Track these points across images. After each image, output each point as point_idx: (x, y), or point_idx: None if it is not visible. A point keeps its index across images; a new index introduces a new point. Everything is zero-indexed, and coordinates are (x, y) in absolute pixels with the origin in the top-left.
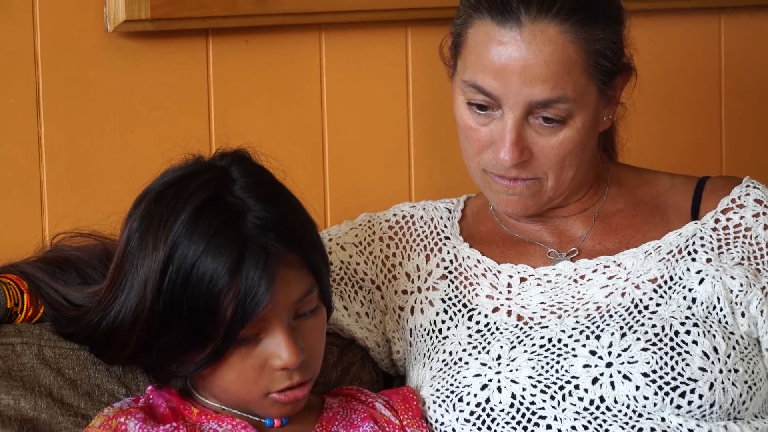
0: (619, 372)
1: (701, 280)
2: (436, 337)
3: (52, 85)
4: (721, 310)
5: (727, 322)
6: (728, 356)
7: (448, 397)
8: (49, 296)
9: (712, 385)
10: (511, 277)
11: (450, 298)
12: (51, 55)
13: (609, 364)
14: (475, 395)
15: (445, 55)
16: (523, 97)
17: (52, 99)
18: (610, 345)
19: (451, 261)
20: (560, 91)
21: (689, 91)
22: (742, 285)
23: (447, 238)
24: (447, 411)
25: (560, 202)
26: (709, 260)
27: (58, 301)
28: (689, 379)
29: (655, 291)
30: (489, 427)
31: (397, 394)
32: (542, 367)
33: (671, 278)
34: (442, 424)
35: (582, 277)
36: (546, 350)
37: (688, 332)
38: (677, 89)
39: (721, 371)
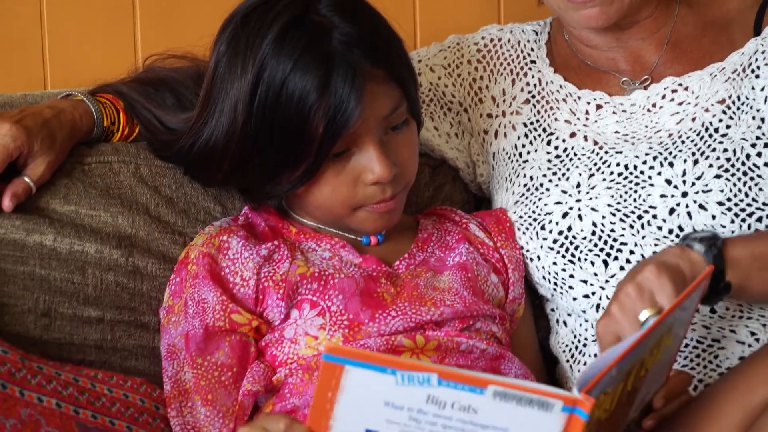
0: (695, 202)
1: (765, 99)
2: (517, 160)
3: None
4: None
5: None
6: None
7: (531, 225)
8: (144, 117)
9: None
10: (588, 103)
11: (531, 123)
12: None
13: (684, 194)
14: (557, 223)
15: None
16: None
17: None
18: (684, 173)
19: (534, 85)
20: None
21: None
22: None
23: (533, 61)
24: (531, 239)
25: (636, 6)
26: None
27: (152, 123)
28: (764, 204)
29: (724, 112)
30: (573, 254)
31: (490, 216)
32: (620, 196)
33: (738, 98)
34: (528, 251)
35: (654, 105)
36: (623, 178)
37: (759, 154)
38: None
39: None
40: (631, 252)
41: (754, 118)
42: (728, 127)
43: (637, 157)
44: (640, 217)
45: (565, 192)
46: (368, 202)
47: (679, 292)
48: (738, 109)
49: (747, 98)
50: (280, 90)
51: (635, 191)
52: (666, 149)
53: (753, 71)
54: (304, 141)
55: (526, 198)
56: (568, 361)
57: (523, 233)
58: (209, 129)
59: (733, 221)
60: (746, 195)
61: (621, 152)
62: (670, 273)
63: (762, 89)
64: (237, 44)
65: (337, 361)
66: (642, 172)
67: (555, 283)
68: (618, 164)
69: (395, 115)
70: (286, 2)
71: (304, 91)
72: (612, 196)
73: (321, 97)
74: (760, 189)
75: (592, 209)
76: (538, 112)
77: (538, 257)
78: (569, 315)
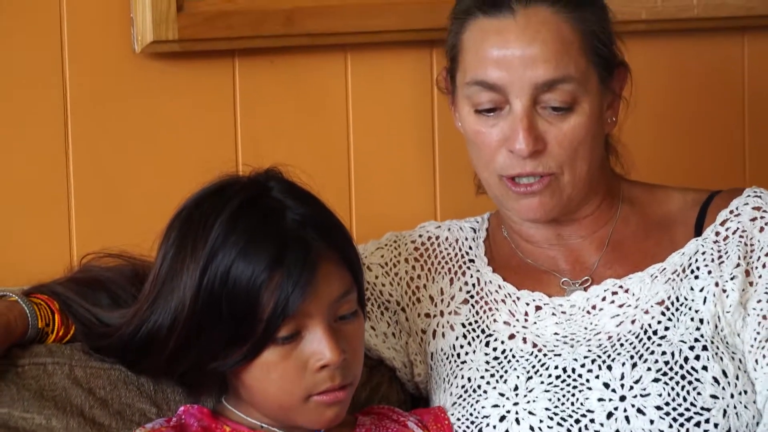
0: (633, 406)
1: (704, 300)
2: (455, 361)
3: (79, 106)
4: (722, 330)
5: (728, 342)
6: (737, 378)
7: (468, 428)
8: (80, 315)
9: (725, 412)
10: (527, 304)
11: (470, 323)
12: (78, 75)
13: (623, 398)
14: (494, 427)
15: (442, 86)
16: (528, 80)
17: (79, 120)
18: (622, 377)
19: (473, 285)
20: (563, 70)
21: (713, 111)
22: (731, 306)
23: (471, 260)
24: None
25: (577, 204)
26: (710, 272)
27: (89, 319)
28: (702, 408)
29: (663, 314)
30: None
31: (428, 414)
32: (558, 400)
33: (677, 299)
34: None
35: (594, 307)
36: (561, 381)
37: (697, 357)
38: (701, 110)
39: (732, 396)
40: None
41: (692, 319)
42: (667, 329)
43: (575, 360)
44: (577, 421)
45: (502, 395)
46: (316, 390)
47: None
48: (677, 310)
49: (686, 299)
50: (230, 268)
51: (573, 395)
52: (605, 352)
53: (693, 272)
54: (251, 319)
55: (464, 400)
56: None
57: None
58: (156, 314)
59: (671, 426)
60: (684, 399)
61: (560, 355)
62: None
63: (701, 290)
64: (189, 226)
65: None
66: (580, 375)
67: None
68: (557, 367)
69: (345, 302)
70: (238, 188)
71: (255, 269)
72: (550, 400)
73: (273, 273)
74: (699, 393)
75: (530, 413)
76: (477, 312)
77: None
78: None
